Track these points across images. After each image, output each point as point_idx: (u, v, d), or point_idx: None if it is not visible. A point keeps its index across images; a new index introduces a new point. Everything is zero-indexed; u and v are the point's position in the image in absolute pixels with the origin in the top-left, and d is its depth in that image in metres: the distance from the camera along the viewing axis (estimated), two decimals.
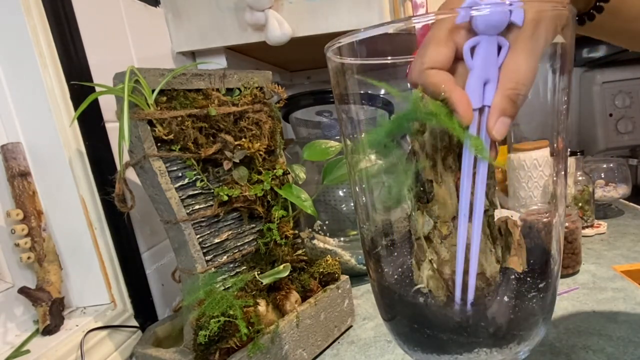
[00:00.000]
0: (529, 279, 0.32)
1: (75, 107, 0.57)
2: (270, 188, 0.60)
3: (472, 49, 0.26)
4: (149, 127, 0.50)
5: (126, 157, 0.52)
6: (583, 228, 0.94)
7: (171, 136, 0.51)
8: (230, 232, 0.58)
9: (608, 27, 0.37)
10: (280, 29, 0.79)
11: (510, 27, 0.25)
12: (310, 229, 0.82)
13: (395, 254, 0.35)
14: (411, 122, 0.29)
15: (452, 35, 0.26)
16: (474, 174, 0.27)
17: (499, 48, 0.26)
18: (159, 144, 0.51)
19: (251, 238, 0.60)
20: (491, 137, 0.26)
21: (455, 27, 0.26)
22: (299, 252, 0.64)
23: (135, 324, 0.63)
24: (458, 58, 0.26)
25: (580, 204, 0.95)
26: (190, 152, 0.53)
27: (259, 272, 0.58)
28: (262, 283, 0.57)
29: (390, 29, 0.27)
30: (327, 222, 0.86)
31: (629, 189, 1.08)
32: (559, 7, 0.26)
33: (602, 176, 1.10)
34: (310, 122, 1.03)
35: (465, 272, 0.28)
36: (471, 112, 0.25)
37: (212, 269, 0.55)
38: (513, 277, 0.32)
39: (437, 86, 0.26)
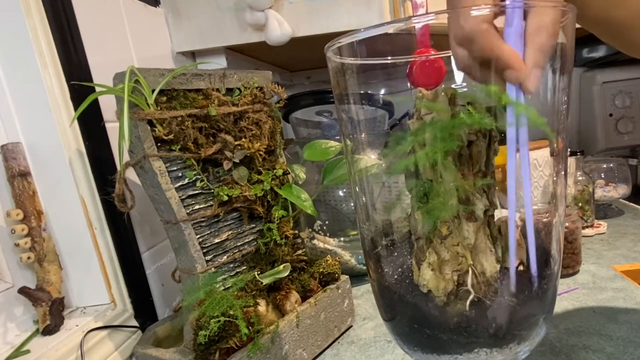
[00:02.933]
0: (529, 279, 0.32)
1: (75, 107, 0.57)
2: (270, 188, 0.60)
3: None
4: (149, 127, 0.50)
5: (126, 157, 0.52)
6: (583, 228, 0.94)
7: (171, 136, 0.51)
8: (230, 232, 0.58)
9: (591, 13, 0.38)
10: (280, 29, 0.79)
11: None
12: (310, 229, 0.82)
13: (395, 254, 0.35)
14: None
15: None
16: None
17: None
18: (159, 144, 0.51)
19: (251, 238, 0.60)
20: (525, 90, 0.27)
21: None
22: (299, 252, 0.64)
23: (135, 324, 0.63)
24: None
25: (580, 204, 0.95)
26: (190, 152, 0.53)
27: (259, 272, 0.58)
28: (262, 283, 0.57)
29: (390, 29, 0.27)
30: (327, 222, 0.86)
31: (629, 189, 1.08)
32: (558, 6, 0.27)
33: (602, 176, 1.10)
34: (310, 122, 1.03)
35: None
36: (524, 66, 0.26)
37: (212, 269, 0.55)
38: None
39: (492, 40, 0.27)
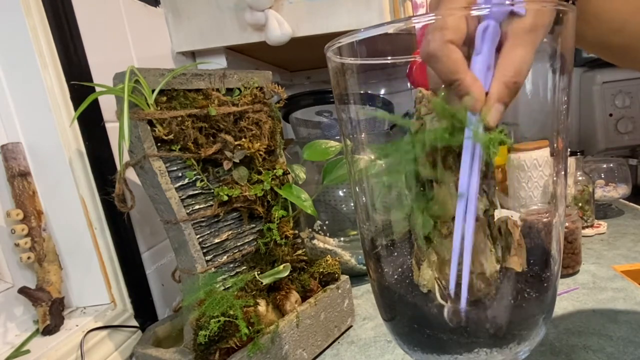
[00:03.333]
0: (529, 279, 0.32)
1: (75, 107, 0.57)
2: (270, 188, 0.60)
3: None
4: (149, 127, 0.50)
5: (126, 157, 0.52)
6: (583, 228, 0.94)
7: (171, 136, 0.51)
8: (230, 232, 0.58)
9: (590, 38, 0.37)
10: (280, 29, 0.79)
11: (511, 17, 0.26)
12: (310, 229, 0.82)
13: (395, 254, 0.35)
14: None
15: (466, 16, 0.26)
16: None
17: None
18: (159, 144, 0.51)
19: (251, 238, 0.60)
20: (485, 123, 0.26)
21: (470, 8, 0.26)
22: (299, 252, 0.64)
23: (135, 324, 0.63)
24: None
25: (580, 204, 0.95)
26: (190, 152, 0.53)
27: (259, 272, 0.58)
28: (262, 283, 0.57)
29: (390, 29, 0.27)
30: (327, 222, 0.86)
31: (629, 189, 1.08)
32: (559, 5, 0.27)
33: (602, 176, 1.10)
34: (310, 122, 1.03)
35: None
36: (484, 95, 0.26)
37: (212, 269, 0.55)
38: (513, 277, 0.32)
39: (455, 64, 0.26)
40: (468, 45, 0.26)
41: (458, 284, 0.28)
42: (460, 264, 0.28)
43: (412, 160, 0.29)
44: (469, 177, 0.27)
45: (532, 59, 0.26)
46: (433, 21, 0.27)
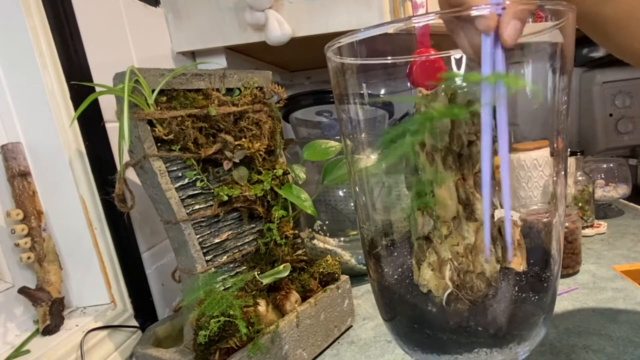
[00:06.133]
0: (529, 279, 0.32)
1: (75, 107, 0.57)
2: (270, 188, 0.60)
3: None
4: (149, 127, 0.50)
5: (126, 157, 0.52)
6: (583, 228, 0.94)
7: (171, 136, 0.51)
8: (230, 232, 0.58)
9: (580, 5, 0.37)
10: (280, 29, 0.79)
11: None
12: (310, 229, 0.82)
13: (395, 254, 0.35)
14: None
15: None
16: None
17: None
18: (159, 144, 0.51)
19: (251, 238, 0.60)
20: (502, 42, 0.26)
21: None
22: (299, 252, 0.64)
23: (135, 324, 0.63)
24: None
25: (580, 204, 0.95)
26: (190, 152, 0.53)
27: (259, 272, 0.58)
28: (262, 283, 0.57)
29: (390, 29, 0.27)
30: (327, 222, 0.86)
31: (629, 189, 1.08)
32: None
33: (602, 176, 1.10)
34: (310, 122, 1.03)
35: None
36: (495, 14, 0.25)
37: (212, 269, 0.55)
38: (513, 277, 0.32)
39: None
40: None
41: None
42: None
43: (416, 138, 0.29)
44: (489, 146, 0.26)
45: None
46: (432, 21, 0.27)
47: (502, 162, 0.27)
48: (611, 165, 1.11)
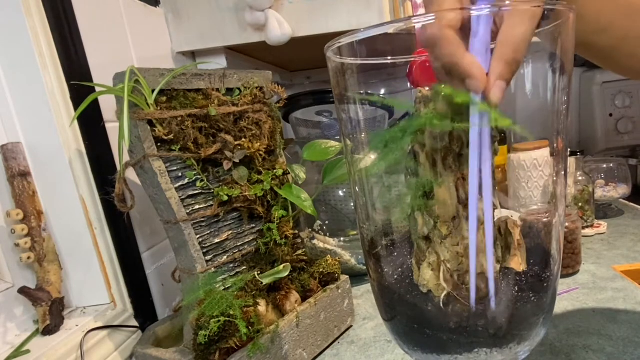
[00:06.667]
0: (529, 279, 0.32)
1: (75, 107, 0.57)
2: (270, 188, 0.60)
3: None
4: (149, 127, 0.50)
5: (126, 157, 0.52)
6: (583, 228, 0.94)
7: (171, 136, 0.51)
8: (230, 232, 0.58)
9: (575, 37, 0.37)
10: (280, 29, 0.79)
11: None
12: (310, 229, 0.82)
13: (395, 254, 0.35)
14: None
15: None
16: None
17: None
18: (159, 144, 0.51)
19: (251, 238, 0.60)
20: (488, 101, 0.26)
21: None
22: (299, 252, 0.64)
23: (135, 324, 0.63)
24: None
25: (580, 204, 0.95)
26: (190, 152, 0.53)
27: (259, 272, 0.58)
28: (262, 283, 0.57)
29: (390, 29, 0.27)
30: (327, 222, 0.86)
31: (629, 189, 1.08)
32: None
33: (602, 176, 1.10)
34: (310, 122, 1.03)
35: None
36: (485, 75, 0.25)
37: (212, 269, 0.55)
38: (513, 277, 0.32)
39: (453, 46, 0.26)
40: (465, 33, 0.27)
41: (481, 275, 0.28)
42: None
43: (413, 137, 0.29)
44: (478, 161, 0.27)
45: (531, 35, 0.26)
46: (432, 21, 0.27)
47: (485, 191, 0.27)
48: (611, 165, 1.11)
